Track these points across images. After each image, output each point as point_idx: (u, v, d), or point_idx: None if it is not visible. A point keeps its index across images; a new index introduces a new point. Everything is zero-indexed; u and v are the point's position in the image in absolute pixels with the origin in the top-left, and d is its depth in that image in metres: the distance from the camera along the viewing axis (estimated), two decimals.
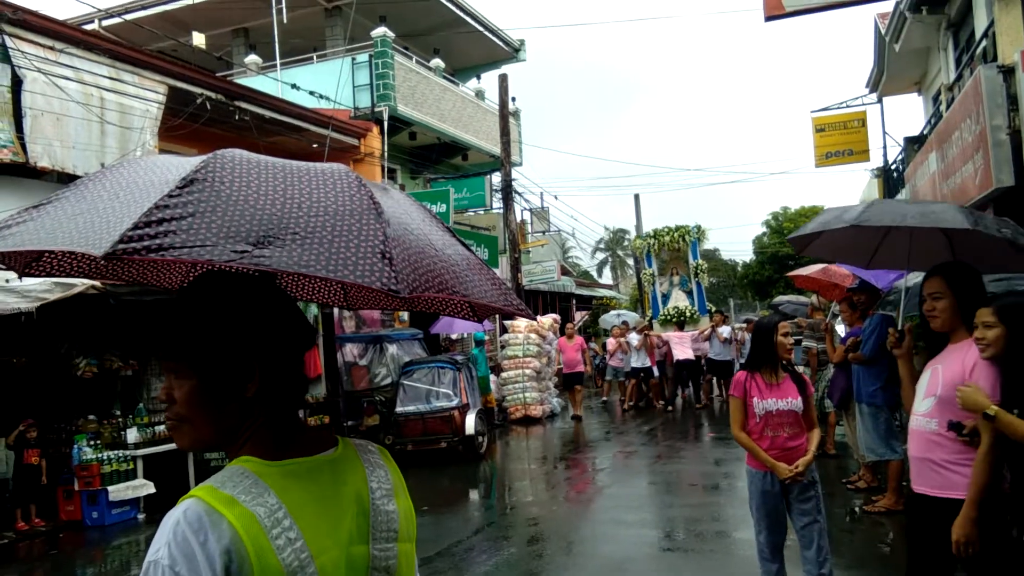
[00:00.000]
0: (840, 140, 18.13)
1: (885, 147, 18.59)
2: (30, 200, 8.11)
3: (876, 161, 19.29)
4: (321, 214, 1.25)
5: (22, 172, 9.63)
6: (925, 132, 14.18)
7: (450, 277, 1.37)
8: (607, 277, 49.83)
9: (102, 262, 1.68)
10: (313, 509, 1.23)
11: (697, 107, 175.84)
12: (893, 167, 17.47)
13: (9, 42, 9.55)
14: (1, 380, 8.68)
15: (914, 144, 14.48)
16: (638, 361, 16.15)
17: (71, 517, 8.68)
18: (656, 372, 16.34)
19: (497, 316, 17.98)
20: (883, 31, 15.44)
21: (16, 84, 9.59)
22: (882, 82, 17.74)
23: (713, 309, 17.84)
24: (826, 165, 18.49)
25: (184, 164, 1.35)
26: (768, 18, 9.81)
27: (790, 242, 4.34)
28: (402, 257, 1.25)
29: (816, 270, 10.33)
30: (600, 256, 52.04)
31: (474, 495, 9.93)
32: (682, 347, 16.00)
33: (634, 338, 16.24)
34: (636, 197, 30.55)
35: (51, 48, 10.01)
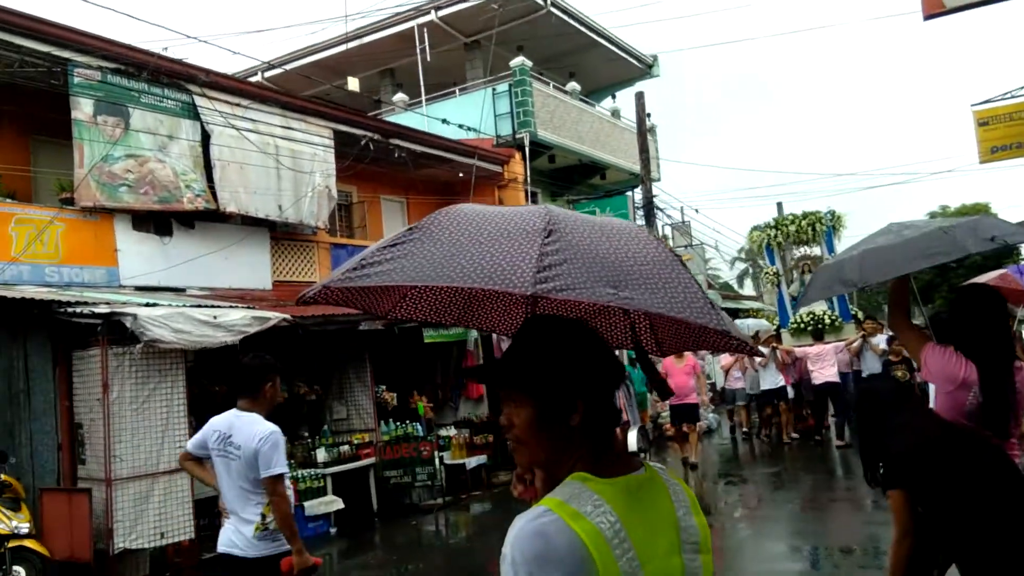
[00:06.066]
0: (1007, 133, 16.92)
1: None
2: (223, 241, 8.97)
3: None
4: (646, 263, 1.54)
5: (213, 217, 10.66)
6: None
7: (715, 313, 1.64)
8: (748, 288, 48.47)
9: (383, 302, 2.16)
10: (639, 522, 1.38)
11: (843, 109, 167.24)
12: None
13: (199, 101, 10.63)
14: (206, 407, 9.57)
15: None
16: (768, 381, 13.36)
17: None
18: (791, 394, 13.37)
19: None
20: None
21: (205, 139, 10.65)
22: None
23: (861, 315, 14.50)
24: (992, 160, 17.25)
25: (513, 215, 1.61)
26: (927, 17, 9.48)
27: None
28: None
29: (994, 276, 9.66)
30: (740, 266, 50.69)
31: None
32: (821, 365, 12.84)
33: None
34: (779, 205, 29.59)
35: (236, 104, 11.06)
